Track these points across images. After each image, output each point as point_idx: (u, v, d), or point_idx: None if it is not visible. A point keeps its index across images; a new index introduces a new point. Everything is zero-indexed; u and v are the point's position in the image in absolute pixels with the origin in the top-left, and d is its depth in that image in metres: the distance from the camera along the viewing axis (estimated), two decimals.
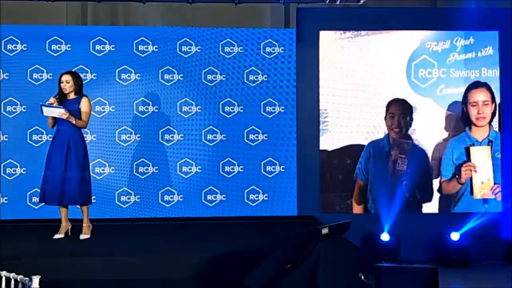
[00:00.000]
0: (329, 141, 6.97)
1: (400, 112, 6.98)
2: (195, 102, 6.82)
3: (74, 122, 5.34)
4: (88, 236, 5.50)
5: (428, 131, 7.03)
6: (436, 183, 7.02)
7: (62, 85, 5.43)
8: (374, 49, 7.02)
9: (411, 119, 7.00)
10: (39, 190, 5.57)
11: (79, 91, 5.49)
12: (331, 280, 4.32)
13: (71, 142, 5.38)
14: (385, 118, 6.99)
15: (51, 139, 5.54)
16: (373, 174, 6.95)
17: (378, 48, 7.02)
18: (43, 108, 5.28)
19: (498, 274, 6.32)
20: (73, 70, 5.81)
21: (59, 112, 5.29)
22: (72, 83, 5.43)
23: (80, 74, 5.65)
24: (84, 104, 5.44)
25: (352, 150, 7.00)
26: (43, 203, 5.52)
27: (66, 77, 5.44)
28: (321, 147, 6.95)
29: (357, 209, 6.93)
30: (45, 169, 5.45)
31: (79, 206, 5.51)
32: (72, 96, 5.47)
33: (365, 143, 6.98)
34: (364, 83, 7.00)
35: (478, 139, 6.99)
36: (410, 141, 6.97)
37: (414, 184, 6.93)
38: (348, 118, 7.00)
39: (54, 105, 5.32)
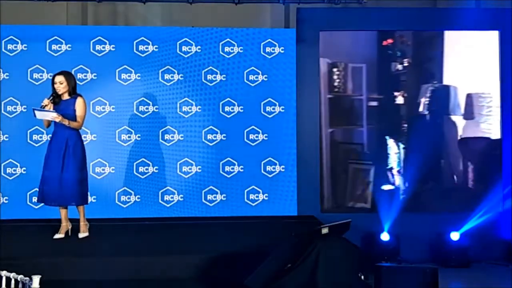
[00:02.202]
0: (493, 129, 6.46)
1: None
2: (195, 102, 6.81)
3: (67, 124, 5.31)
4: (86, 234, 5.50)
5: None
6: None
7: (55, 86, 5.38)
8: None
9: None
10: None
11: (73, 91, 5.44)
12: (331, 280, 4.33)
13: (69, 142, 5.37)
14: None
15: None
16: None
17: None
18: (36, 112, 5.27)
19: (498, 274, 6.32)
20: (72, 70, 5.80)
21: (52, 116, 5.26)
22: (66, 84, 5.38)
23: (73, 73, 5.60)
24: (79, 105, 5.40)
25: None
26: (42, 203, 5.52)
27: (59, 78, 5.38)
28: (482, 134, 6.53)
29: None
30: (43, 170, 5.44)
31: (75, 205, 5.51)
32: (66, 96, 5.43)
33: None
34: None
35: None
36: None
37: None
38: None
39: (48, 107, 5.31)
